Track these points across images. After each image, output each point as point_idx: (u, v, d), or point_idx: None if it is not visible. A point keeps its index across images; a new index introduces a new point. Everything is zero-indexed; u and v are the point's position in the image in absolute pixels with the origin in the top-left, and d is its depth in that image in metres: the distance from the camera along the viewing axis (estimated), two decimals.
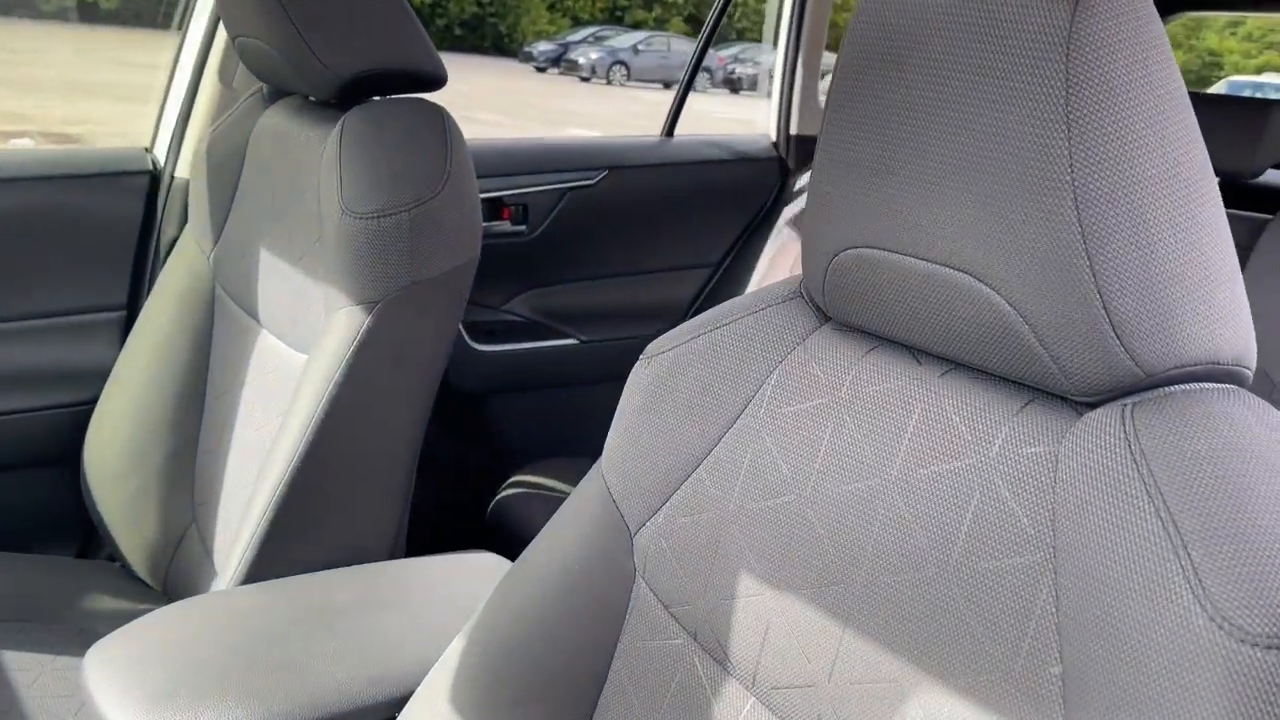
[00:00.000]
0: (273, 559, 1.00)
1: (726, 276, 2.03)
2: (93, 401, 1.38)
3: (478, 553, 1.00)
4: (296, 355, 1.14)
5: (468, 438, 1.83)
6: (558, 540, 0.79)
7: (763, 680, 0.65)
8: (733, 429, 0.70)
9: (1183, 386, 0.52)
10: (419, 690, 0.78)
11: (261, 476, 1.03)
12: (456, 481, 1.78)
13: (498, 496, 1.67)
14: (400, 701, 0.78)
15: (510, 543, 1.57)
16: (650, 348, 0.78)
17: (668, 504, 0.72)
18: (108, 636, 0.83)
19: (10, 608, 1.23)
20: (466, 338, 1.76)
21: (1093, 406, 0.54)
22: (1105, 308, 0.50)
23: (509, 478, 1.71)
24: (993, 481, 0.55)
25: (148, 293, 1.46)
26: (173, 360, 1.32)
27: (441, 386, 1.58)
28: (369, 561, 1.02)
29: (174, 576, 1.28)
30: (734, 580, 0.67)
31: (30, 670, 1.09)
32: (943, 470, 0.58)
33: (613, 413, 0.78)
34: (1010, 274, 0.53)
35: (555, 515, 0.81)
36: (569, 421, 1.84)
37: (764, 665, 0.65)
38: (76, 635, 1.20)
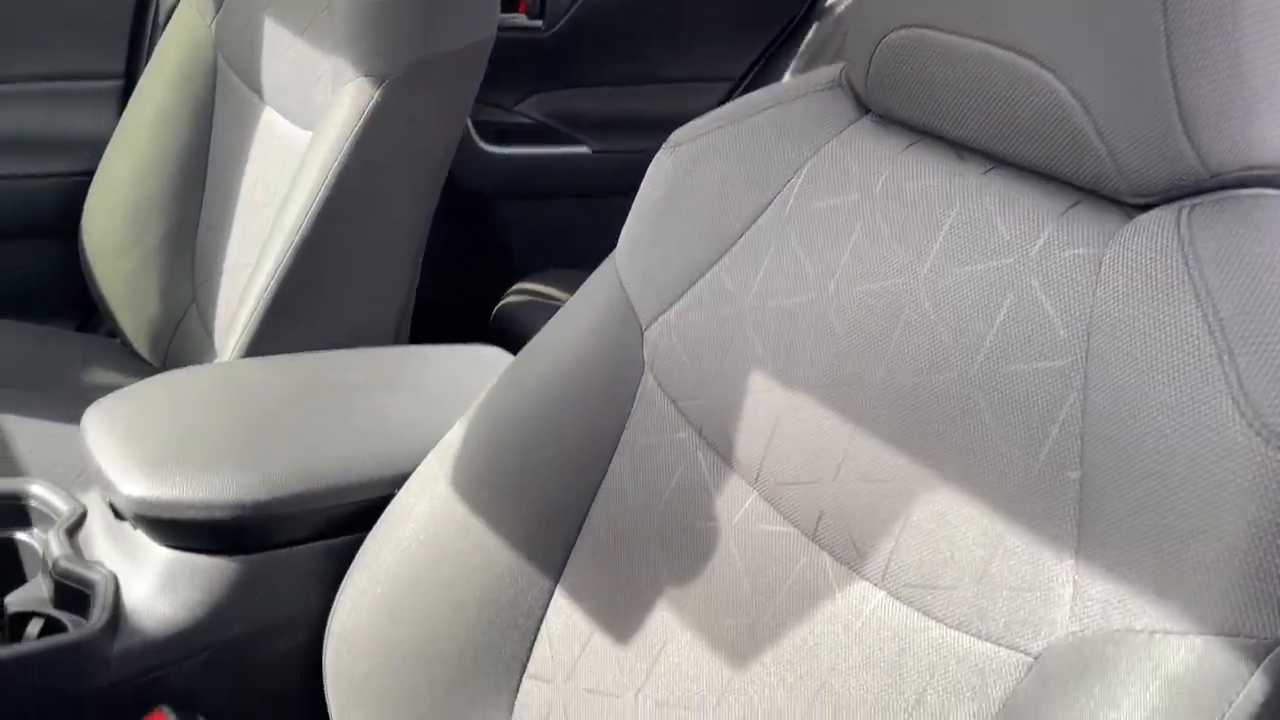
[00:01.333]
0: (273, 336, 0.99)
1: (748, 92, 1.95)
2: (90, 172, 1.35)
3: (485, 346, 0.99)
4: (300, 132, 1.09)
5: (473, 241, 1.80)
6: (566, 331, 0.77)
7: (766, 476, 0.64)
8: (756, 223, 0.67)
9: (1247, 191, 0.49)
10: (419, 469, 0.78)
11: (263, 253, 1.01)
12: (460, 285, 1.76)
13: (501, 303, 1.65)
14: (400, 480, 0.78)
15: (513, 349, 1.56)
16: (676, 135, 0.74)
17: (682, 298, 0.70)
18: (107, 396, 0.82)
19: (9, 374, 1.23)
20: (476, 137, 1.70)
21: (1146, 209, 0.51)
22: (1177, 97, 0.46)
23: (513, 284, 1.69)
24: (1028, 283, 0.53)
25: (145, 61, 1.39)
26: (172, 134, 1.27)
27: (448, 186, 1.53)
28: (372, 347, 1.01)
29: (174, 355, 1.27)
30: (744, 377, 0.66)
31: (29, 435, 1.09)
32: (976, 271, 0.55)
33: (620, 226, 0.76)
34: (1076, 56, 0.49)
35: (565, 306, 0.79)
36: (575, 232, 1.80)
37: (769, 461, 0.64)
38: (75, 404, 1.20)
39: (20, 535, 0.81)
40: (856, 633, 0.58)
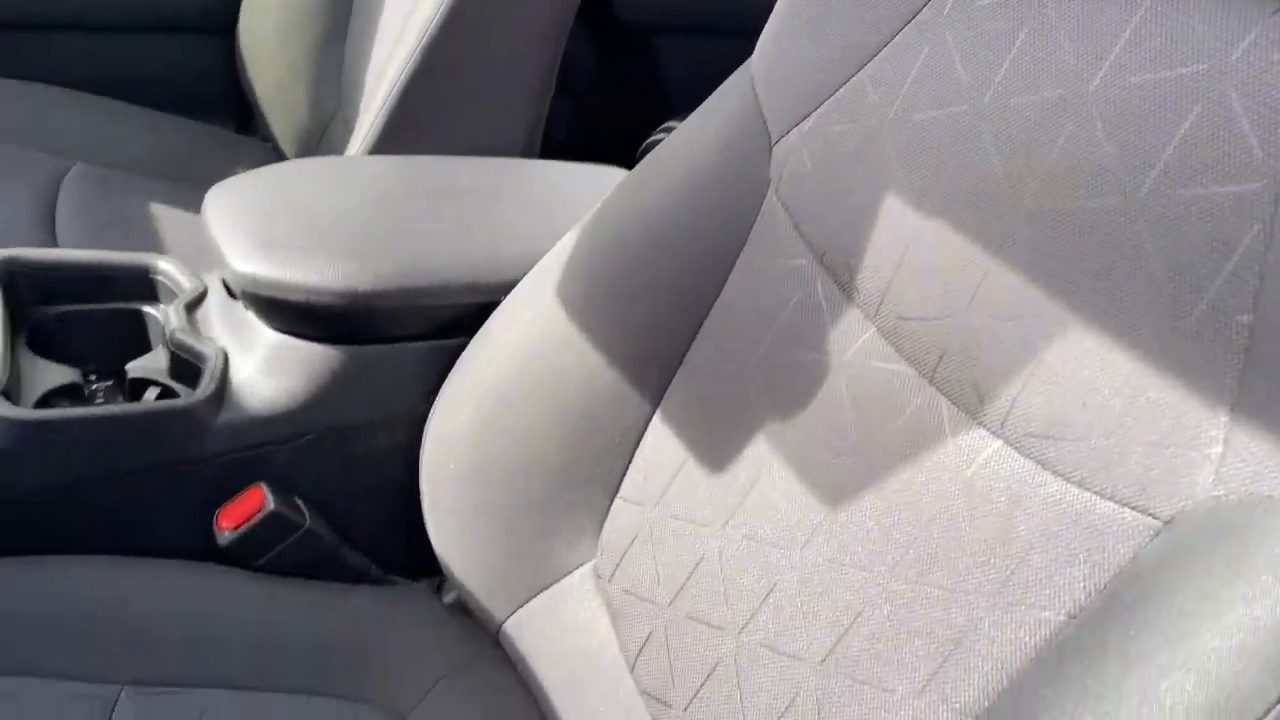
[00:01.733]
0: (396, 138, 0.97)
1: None
2: None
3: (612, 167, 0.95)
4: None
5: (625, 75, 1.73)
6: (691, 142, 0.72)
7: (888, 309, 0.58)
8: (912, 22, 0.59)
9: None
10: (527, 276, 0.75)
11: (393, 55, 0.98)
12: (608, 119, 1.71)
13: (648, 140, 1.59)
14: (507, 286, 0.75)
15: None
16: None
17: (819, 109, 0.63)
18: (230, 179, 0.82)
19: (161, 167, 1.26)
20: None
21: None
22: None
23: (663, 122, 1.62)
24: (1223, 93, 0.44)
25: None
26: None
27: (604, 14, 1.46)
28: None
29: None
30: (878, 198, 0.59)
31: (171, 223, 1.12)
32: (1160, 78, 0.47)
33: None
34: None
35: (693, 115, 0.73)
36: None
37: (893, 292, 0.58)
38: None
39: (146, 308, 0.83)
40: (966, 482, 0.52)
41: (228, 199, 0.79)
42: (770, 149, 0.66)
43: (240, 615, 0.73)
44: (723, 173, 0.68)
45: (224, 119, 1.50)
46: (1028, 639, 0.47)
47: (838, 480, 0.59)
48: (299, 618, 0.75)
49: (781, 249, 0.65)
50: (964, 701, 0.49)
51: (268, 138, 1.38)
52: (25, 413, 0.67)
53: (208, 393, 0.72)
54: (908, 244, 0.57)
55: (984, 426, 0.52)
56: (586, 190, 0.87)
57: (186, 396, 0.73)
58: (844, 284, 0.61)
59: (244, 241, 0.74)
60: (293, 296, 0.72)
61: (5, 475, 0.67)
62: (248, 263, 0.72)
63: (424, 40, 0.94)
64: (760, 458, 0.64)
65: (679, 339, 0.69)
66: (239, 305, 0.78)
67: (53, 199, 1.16)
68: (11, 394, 0.70)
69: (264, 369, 0.75)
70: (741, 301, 0.67)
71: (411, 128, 0.98)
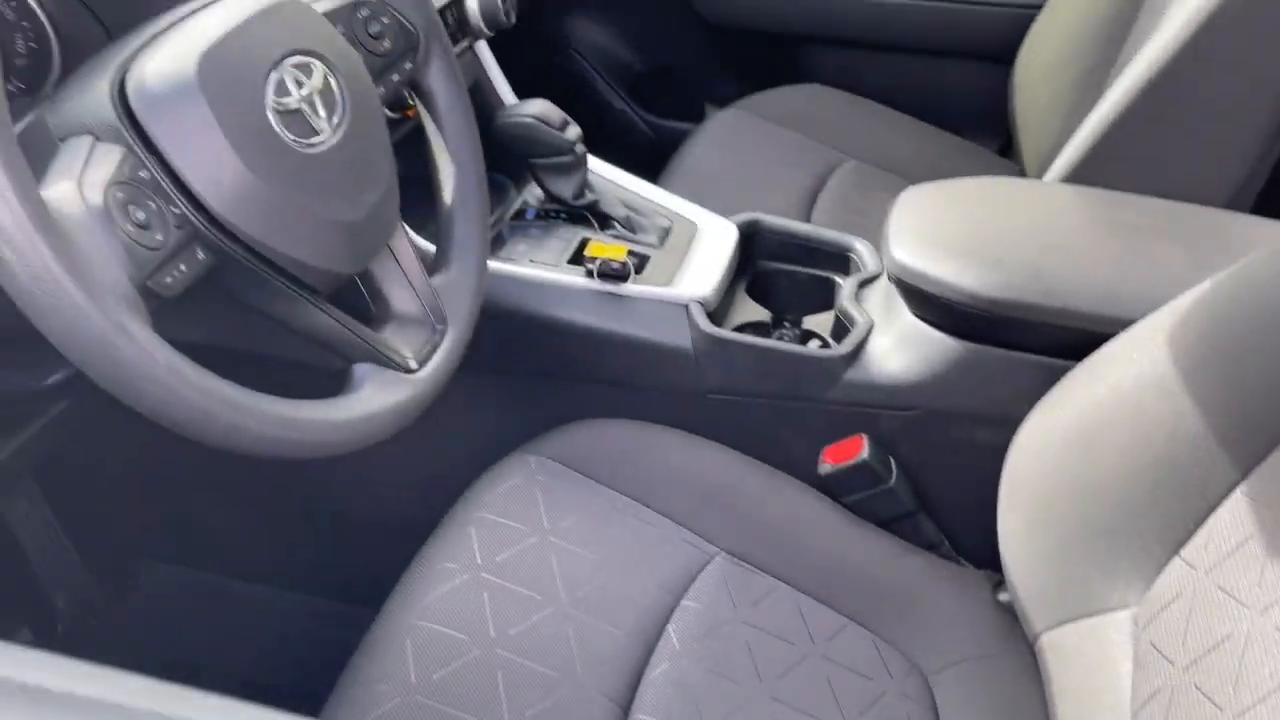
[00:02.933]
0: (1099, 171, 0.99)
1: None
2: (1039, 5, 1.43)
3: None
4: None
5: None
6: None
7: None
8: None
9: None
10: (1147, 319, 0.76)
11: (1113, 84, 1.00)
12: None
13: None
14: (1125, 323, 0.76)
15: None
16: None
17: None
18: (927, 184, 0.95)
19: (920, 172, 1.43)
20: None
21: None
22: None
23: None
24: None
25: None
26: None
27: None
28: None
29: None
30: None
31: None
32: None
33: None
34: None
35: None
36: None
37: None
38: None
39: (836, 278, 1.01)
40: None
41: (914, 198, 0.93)
42: None
43: (820, 533, 0.88)
44: None
45: (989, 140, 1.63)
46: None
47: None
48: (865, 555, 0.87)
49: None
50: None
51: (1019, 162, 1.48)
52: (721, 332, 0.89)
53: (845, 351, 0.88)
54: None
55: None
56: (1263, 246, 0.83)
57: (830, 350, 0.89)
58: None
59: (905, 234, 0.87)
60: (928, 288, 0.83)
61: (697, 374, 0.90)
62: (901, 251, 0.85)
63: (1143, 79, 0.95)
64: None
65: None
66: (895, 288, 0.91)
67: (821, 184, 1.41)
68: (718, 318, 0.94)
69: (896, 345, 0.88)
70: None
71: (1114, 161, 0.99)
